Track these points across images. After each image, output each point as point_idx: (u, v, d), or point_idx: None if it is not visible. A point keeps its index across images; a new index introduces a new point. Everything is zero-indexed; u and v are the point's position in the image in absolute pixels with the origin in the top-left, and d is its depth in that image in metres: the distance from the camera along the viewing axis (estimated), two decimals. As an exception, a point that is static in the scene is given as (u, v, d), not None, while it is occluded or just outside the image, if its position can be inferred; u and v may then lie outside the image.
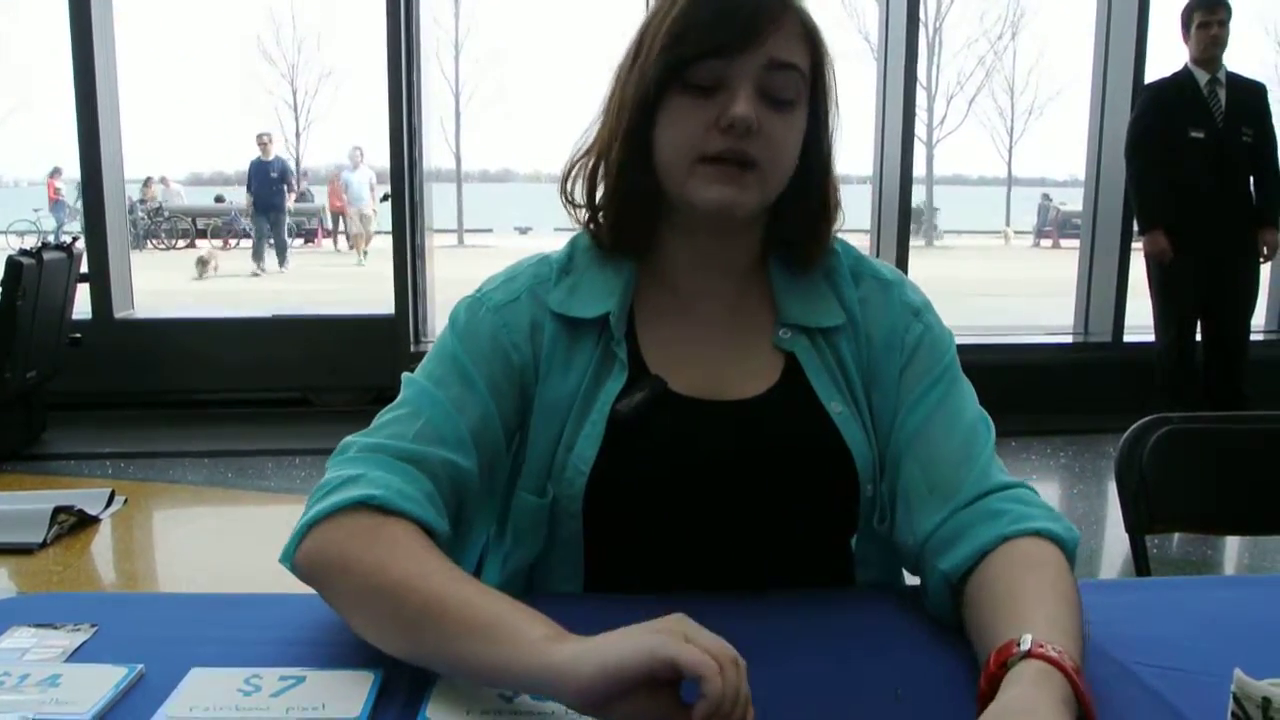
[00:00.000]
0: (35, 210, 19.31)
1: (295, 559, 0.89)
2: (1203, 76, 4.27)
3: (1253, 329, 4.65)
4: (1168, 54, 4.61)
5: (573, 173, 1.06)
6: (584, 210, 1.06)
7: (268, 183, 13.38)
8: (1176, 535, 3.43)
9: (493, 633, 0.75)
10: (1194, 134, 4.23)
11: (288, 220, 14.72)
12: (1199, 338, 4.46)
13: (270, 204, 13.65)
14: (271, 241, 14.69)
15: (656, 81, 0.97)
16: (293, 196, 14.54)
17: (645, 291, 1.05)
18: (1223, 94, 4.26)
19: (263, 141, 13.38)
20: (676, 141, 0.97)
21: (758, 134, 0.95)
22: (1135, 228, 4.92)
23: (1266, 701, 0.69)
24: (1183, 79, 4.32)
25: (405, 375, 1.02)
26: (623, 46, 1.03)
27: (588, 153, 1.05)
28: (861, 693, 0.82)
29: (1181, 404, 4.20)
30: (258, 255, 14.76)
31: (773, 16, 0.95)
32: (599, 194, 1.04)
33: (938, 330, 1.06)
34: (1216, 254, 4.25)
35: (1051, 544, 0.90)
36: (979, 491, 0.96)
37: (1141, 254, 4.53)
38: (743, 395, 1.02)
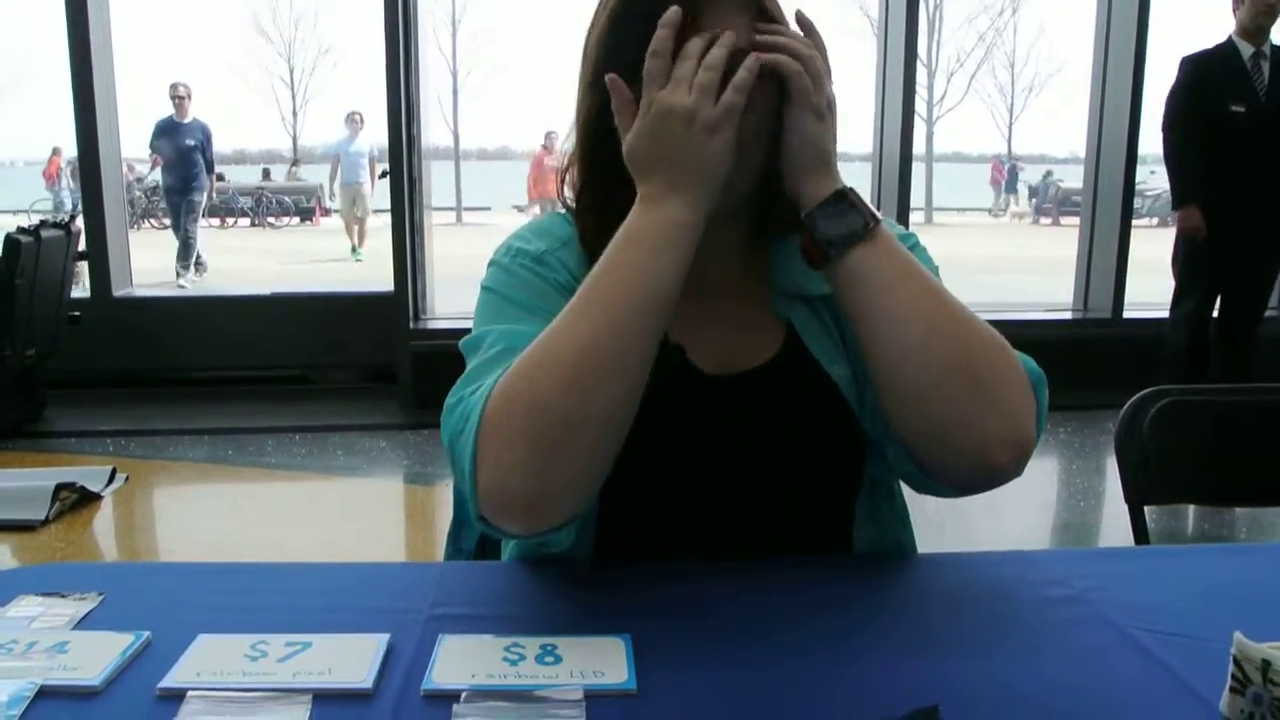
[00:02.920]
0: (55, 189, 19.19)
1: (483, 426, 0.84)
2: (1247, 49, 4.12)
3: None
4: (1169, 30, 4.56)
5: (563, 185, 1.05)
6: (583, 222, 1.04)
7: (181, 153, 9.04)
8: (1180, 511, 3.44)
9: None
10: (1234, 108, 4.09)
11: (205, 203, 9.91)
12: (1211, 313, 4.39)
13: (182, 181, 9.26)
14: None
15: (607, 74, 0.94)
16: (213, 178, 9.91)
17: None
18: (1266, 68, 4.11)
19: (178, 95, 8.89)
20: None
21: None
22: (1133, 205, 4.92)
23: (1266, 664, 0.70)
24: (1226, 51, 4.16)
25: (462, 342, 0.98)
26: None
27: (568, 168, 1.04)
28: (859, 664, 0.83)
29: (1187, 378, 4.17)
30: (184, 254, 9.90)
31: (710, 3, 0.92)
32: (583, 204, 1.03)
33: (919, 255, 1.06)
34: (1249, 230, 4.16)
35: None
36: None
37: (1136, 227, 4.48)
38: (749, 366, 1.03)
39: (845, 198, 0.92)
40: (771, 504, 1.03)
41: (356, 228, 13.18)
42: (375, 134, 11.65)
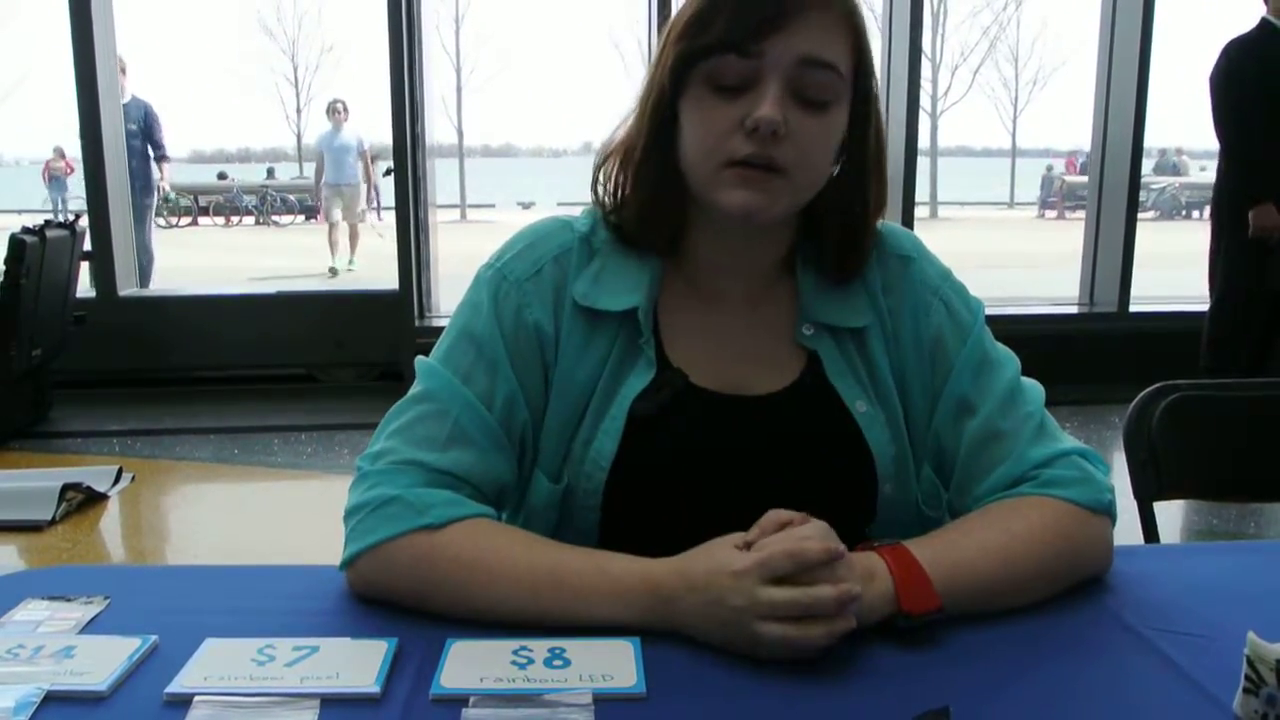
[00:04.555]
0: (62, 190, 19.12)
1: (352, 579, 0.93)
2: None
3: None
4: (1175, 22, 4.48)
5: (605, 164, 1.03)
6: (610, 201, 1.03)
7: None
8: (1190, 507, 3.43)
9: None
10: None
11: (156, 202, 7.64)
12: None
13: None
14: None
15: (674, 76, 0.94)
16: (165, 170, 7.63)
17: (669, 283, 1.03)
18: None
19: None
20: (701, 143, 0.94)
21: (786, 137, 0.91)
22: (1139, 199, 4.85)
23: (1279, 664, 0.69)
24: (1270, 36, 3.90)
25: (423, 361, 1.00)
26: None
27: (619, 145, 1.02)
28: (869, 666, 0.82)
29: (1231, 374, 4.04)
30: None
31: (806, 5, 0.90)
32: (625, 188, 1.02)
33: (958, 305, 1.05)
34: None
35: (1056, 500, 0.95)
36: (1024, 469, 0.98)
37: (1142, 220, 4.27)
38: (763, 391, 1.01)
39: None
40: None
41: (345, 236, 10.90)
42: (360, 126, 10.38)
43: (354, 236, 10.99)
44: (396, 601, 0.90)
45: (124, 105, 6.56)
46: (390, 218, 5.31)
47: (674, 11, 0.98)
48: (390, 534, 0.89)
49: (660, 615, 0.84)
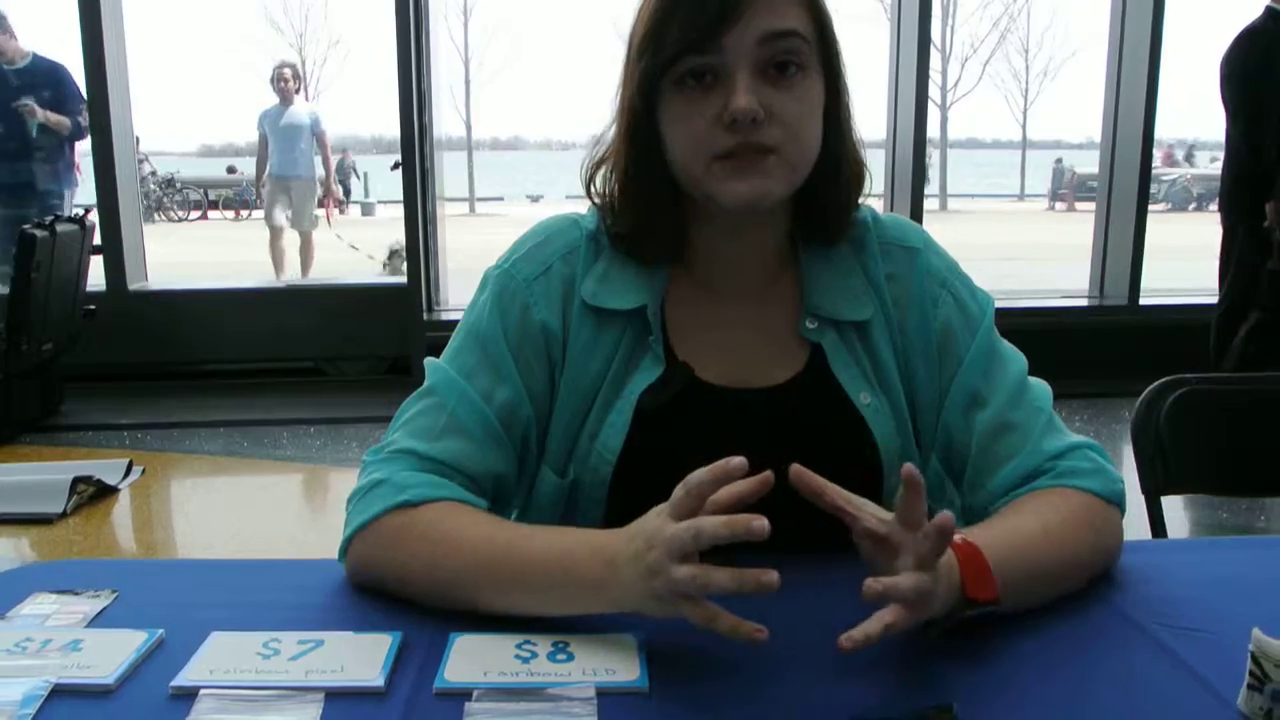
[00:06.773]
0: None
1: (346, 567, 0.95)
2: None
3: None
4: (1186, 13, 4.42)
5: (595, 175, 1.03)
6: (609, 214, 1.03)
7: (5, 115, 5.07)
8: (1198, 501, 3.42)
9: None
10: None
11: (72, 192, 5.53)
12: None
13: (12, 165, 5.19)
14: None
15: (643, 93, 0.94)
16: (76, 162, 5.62)
17: (675, 280, 1.04)
18: None
19: None
20: (685, 144, 0.94)
21: (768, 119, 0.91)
22: (1149, 190, 4.78)
23: (1285, 660, 0.69)
24: (1277, 24, 3.80)
25: (431, 361, 1.02)
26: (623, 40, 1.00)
27: (608, 158, 1.02)
28: (873, 662, 0.82)
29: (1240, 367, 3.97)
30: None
31: None
32: (619, 204, 1.02)
33: (966, 298, 1.05)
34: None
35: (1078, 491, 0.95)
36: (1039, 461, 0.98)
37: (1152, 212, 4.14)
38: (768, 383, 1.01)
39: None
40: (782, 524, 1.01)
41: (295, 246, 7.90)
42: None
43: (306, 248, 8.00)
44: (381, 584, 0.91)
45: (20, 68, 5.19)
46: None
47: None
48: (374, 513, 0.91)
49: (603, 581, 0.81)
